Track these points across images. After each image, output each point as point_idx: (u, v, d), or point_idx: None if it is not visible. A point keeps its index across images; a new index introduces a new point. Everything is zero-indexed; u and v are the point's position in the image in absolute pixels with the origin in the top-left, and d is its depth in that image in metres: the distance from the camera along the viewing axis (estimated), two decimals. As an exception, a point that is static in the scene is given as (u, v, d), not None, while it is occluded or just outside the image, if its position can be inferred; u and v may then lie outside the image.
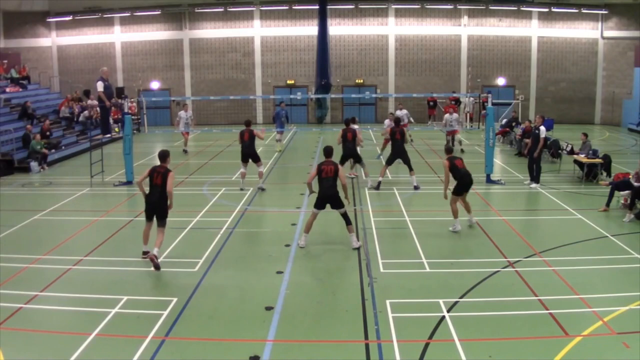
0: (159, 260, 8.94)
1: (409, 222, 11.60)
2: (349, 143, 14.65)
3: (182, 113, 21.46)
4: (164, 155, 9.49)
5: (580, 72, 31.37)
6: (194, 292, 8.11)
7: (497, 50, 31.52)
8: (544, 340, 6.61)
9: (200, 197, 14.23)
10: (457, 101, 27.76)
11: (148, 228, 9.41)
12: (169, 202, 9.19)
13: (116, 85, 29.12)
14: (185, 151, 21.63)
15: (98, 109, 19.95)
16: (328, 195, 9.83)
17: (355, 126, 15.70)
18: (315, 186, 10.07)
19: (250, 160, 14.65)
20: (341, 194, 9.97)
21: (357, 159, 15.07)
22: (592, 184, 15.16)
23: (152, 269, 8.92)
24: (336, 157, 10.92)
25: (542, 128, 14.72)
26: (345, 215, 9.95)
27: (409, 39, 31.59)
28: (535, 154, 14.65)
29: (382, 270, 8.94)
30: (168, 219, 9.19)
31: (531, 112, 29.87)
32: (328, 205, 9.92)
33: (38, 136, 19.01)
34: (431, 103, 29.18)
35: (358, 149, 15.17)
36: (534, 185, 14.92)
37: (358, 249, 9.85)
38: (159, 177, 9.17)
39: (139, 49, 32.14)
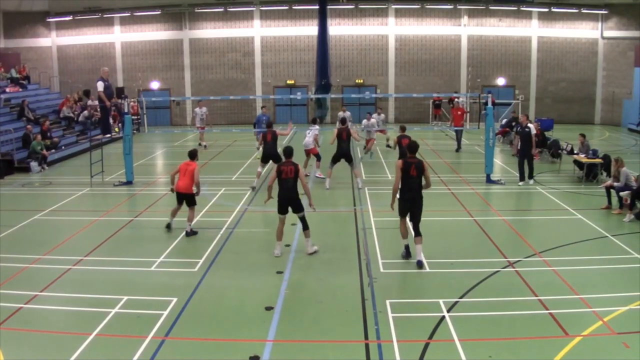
0: None
1: (409, 222, 11.56)
2: (345, 142, 14.71)
3: (197, 110, 23.09)
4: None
5: (580, 72, 31.34)
6: (194, 292, 8.10)
7: (497, 50, 31.49)
8: (544, 340, 6.60)
9: (200, 197, 14.17)
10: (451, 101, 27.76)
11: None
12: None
13: (116, 85, 29.11)
14: (203, 145, 22.73)
15: (98, 109, 19.95)
16: (288, 197, 9.44)
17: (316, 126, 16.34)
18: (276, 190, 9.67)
19: (270, 162, 14.80)
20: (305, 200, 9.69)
21: (349, 159, 14.89)
22: (592, 184, 15.15)
23: (153, 268, 8.92)
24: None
25: (531, 125, 15.22)
26: (303, 219, 9.64)
27: (409, 39, 31.57)
28: (533, 152, 15.09)
29: (382, 270, 8.94)
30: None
31: (531, 112, 29.87)
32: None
33: (39, 136, 19.02)
34: (437, 102, 29.24)
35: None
36: (531, 182, 15.20)
37: (314, 253, 9.59)
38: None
39: (139, 49, 32.14)
